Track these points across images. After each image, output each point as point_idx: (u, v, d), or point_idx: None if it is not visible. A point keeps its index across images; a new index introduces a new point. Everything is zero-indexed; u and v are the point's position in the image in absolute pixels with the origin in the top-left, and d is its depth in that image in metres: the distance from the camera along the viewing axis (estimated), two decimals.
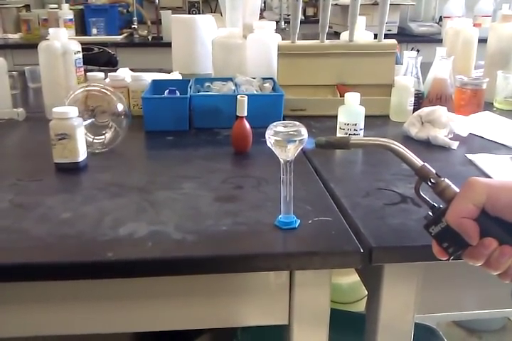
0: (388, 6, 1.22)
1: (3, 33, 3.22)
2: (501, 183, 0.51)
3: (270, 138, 0.61)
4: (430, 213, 0.56)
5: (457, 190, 0.54)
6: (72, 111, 0.85)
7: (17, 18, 3.24)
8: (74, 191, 0.80)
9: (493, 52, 1.36)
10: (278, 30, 3.57)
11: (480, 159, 0.92)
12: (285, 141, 0.60)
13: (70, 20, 3.02)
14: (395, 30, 3.29)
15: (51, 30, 1.16)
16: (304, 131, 0.61)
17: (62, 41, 1.16)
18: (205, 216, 0.70)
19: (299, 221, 0.67)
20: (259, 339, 0.96)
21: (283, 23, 3.24)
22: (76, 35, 3.11)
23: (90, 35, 3.11)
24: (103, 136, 0.96)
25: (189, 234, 0.65)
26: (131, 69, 1.71)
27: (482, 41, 1.41)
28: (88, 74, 1.21)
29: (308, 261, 0.62)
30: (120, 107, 0.96)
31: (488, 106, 1.31)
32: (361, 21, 1.42)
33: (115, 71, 1.76)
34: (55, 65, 1.15)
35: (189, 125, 1.12)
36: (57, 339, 1.18)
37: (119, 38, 3.09)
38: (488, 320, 1.80)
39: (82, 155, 0.87)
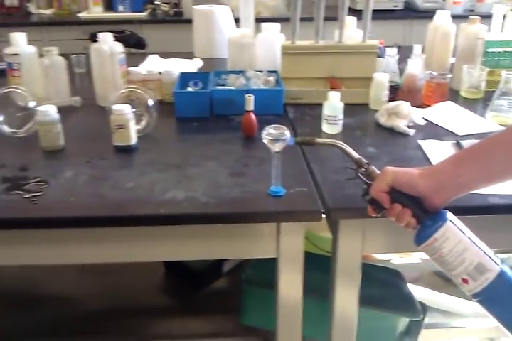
0: (371, 14, 1.50)
1: (36, 9, 3.50)
2: (403, 170, 0.82)
3: (265, 137, 0.93)
4: (365, 187, 0.88)
5: (379, 173, 0.86)
6: (127, 109, 1.17)
7: None
8: (131, 167, 1.14)
9: (461, 49, 1.63)
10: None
11: (427, 144, 1.22)
12: (274, 139, 0.92)
13: None
14: (401, 6, 3.48)
15: (100, 35, 1.46)
16: (287, 132, 0.93)
17: (109, 44, 1.46)
18: (222, 186, 1.03)
19: (285, 190, 1.00)
20: (260, 269, 1.32)
21: None
22: (104, 11, 3.38)
23: (117, 12, 3.37)
24: (140, 124, 1.28)
25: (211, 198, 0.98)
26: (159, 54, 2.01)
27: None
28: (129, 69, 1.52)
29: (289, 217, 0.96)
30: (151, 102, 1.27)
31: (456, 94, 1.59)
32: (352, 21, 1.70)
33: (144, 53, 2.05)
34: (104, 64, 1.46)
35: (210, 112, 1.44)
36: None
37: (143, 14, 3.35)
38: None
39: (133, 139, 1.20)
